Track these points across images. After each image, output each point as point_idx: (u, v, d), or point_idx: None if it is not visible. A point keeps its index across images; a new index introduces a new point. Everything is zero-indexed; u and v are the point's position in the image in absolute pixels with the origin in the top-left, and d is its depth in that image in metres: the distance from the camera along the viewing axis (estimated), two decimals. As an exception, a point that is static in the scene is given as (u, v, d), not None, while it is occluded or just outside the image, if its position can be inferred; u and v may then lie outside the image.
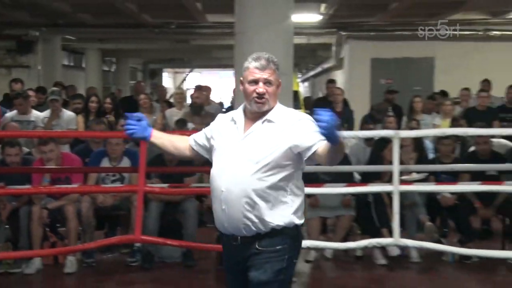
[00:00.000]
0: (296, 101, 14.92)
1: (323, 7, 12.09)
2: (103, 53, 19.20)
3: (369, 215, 6.05)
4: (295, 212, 2.91)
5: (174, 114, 8.88)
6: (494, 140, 6.83)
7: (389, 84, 12.42)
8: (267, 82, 2.91)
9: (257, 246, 2.87)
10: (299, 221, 2.94)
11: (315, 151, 2.77)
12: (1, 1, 11.20)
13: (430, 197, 6.25)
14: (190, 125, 7.97)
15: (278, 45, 5.79)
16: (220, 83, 32.65)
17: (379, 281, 5.62)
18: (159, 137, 3.19)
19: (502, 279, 5.72)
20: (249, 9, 5.90)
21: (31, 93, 8.71)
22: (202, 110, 8.64)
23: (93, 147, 6.67)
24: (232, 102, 10.56)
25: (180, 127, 7.77)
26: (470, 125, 7.43)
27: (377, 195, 5.93)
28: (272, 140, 2.86)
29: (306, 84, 26.29)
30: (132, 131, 3.08)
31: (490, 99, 9.03)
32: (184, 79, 29.96)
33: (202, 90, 9.92)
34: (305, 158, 2.85)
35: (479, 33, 13.24)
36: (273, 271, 2.86)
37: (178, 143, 3.22)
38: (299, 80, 23.55)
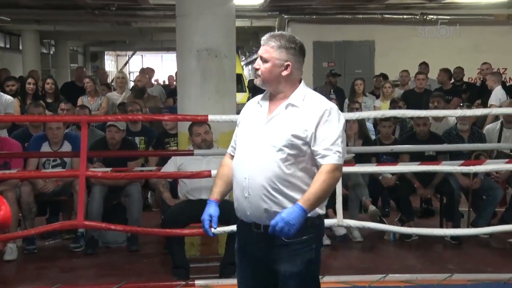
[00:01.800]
0: (240, 84, 14.94)
1: (265, -11, 12.06)
2: (41, 35, 18.60)
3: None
4: None
5: (115, 97, 8.75)
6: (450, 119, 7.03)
7: (331, 67, 12.54)
8: (261, 58, 2.81)
9: (283, 238, 2.73)
10: (321, 211, 2.86)
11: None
12: None
13: (372, 177, 6.35)
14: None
15: (220, 28, 5.72)
16: (162, 66, 32.30)
17: (324, 261, 5.65)
18: (222, 193, 3.01)
19: (439, 255, 5.89)
20: (190, -9, 5.80)
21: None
22: (144, 93, 8.54)
23: (32, 131, 6.48)
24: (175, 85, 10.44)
25: (122, 110, 7.65)
26: (409, 106, 7.60)
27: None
28: (296, 126, 2.75)
29: (250, 67, 26.27)
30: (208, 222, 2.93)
31: (427, 81, 9.25)
32: (127, 62, 29.48)
33: (145, 73, 9.80)
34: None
35: (416, 17, 13.52)
36: (303, 263, 2.80)
37: (230, 175, 2.98)
38: (242, 63, 23.50)
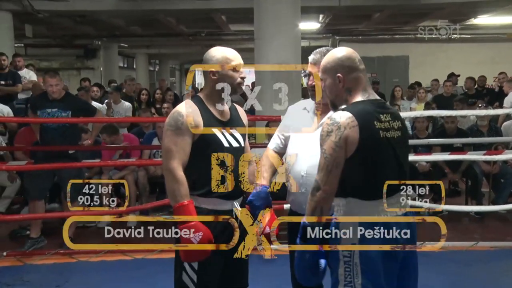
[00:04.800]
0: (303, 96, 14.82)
1: (321, 17, 11.95)
2: (149, 56, 19.12)
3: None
4: None
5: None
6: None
7: (374, 77, 12.33)
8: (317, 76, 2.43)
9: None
10: None
11: None
12: (73, 19, 11.20)
13: (410, 165, 6.15)
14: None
15: (288, 47, 5.71)
16: (239, 79, 32.42)
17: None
18: (270, 180, 2.64)
19: (466, 227, 5.66)
20: (266, 19, 5.82)
21: (94, 88, 8.49)
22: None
23: (144, 129, 6.64)
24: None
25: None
26: (439, 108, 7.34)
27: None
28: None
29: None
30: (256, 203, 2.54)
31: (454, 87, 8.93)
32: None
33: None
34: None
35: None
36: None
37: (275, 166, 2.69)
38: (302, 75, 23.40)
